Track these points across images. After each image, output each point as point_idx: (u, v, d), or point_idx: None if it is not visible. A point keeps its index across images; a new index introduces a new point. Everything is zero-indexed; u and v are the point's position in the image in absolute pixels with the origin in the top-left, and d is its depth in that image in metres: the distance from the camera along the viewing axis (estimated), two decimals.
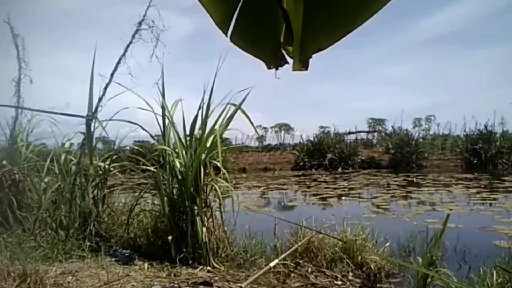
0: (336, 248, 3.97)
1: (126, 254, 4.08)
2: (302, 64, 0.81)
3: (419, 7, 43.77)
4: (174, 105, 4.60)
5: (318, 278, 3.66)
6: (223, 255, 4.18)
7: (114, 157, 5.25)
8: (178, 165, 4.25)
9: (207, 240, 4.01)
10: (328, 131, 25.10)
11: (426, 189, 12.14)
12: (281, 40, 0.80)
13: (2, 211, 4.48)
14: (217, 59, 4.22)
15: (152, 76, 4.46)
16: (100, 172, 4.86)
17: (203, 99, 4.31)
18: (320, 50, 0.79)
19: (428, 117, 29.43)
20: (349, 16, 0.75)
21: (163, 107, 4.41)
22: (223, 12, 0.79)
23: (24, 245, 3.88)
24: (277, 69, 0.83)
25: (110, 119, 4.53)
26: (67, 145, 5.20)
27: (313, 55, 0.80)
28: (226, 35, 0.81)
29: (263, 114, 39.08)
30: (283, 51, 0.82)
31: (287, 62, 0.82)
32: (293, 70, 0.82)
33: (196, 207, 4.05)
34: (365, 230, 4.25)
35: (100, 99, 4.43)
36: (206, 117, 4.32)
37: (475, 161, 19.56)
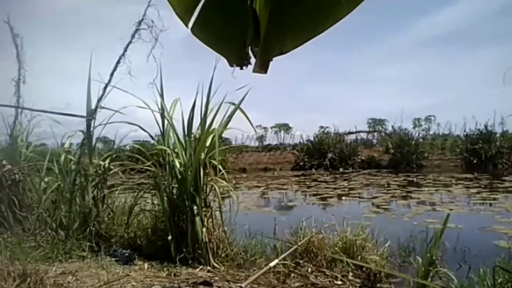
0: (336, 248, 3.97)
1: (126, 254, 4.08)
2: (262, 66, 0.81)
3: (419, 7, 43.77)
4: (173, 104, 4.60)
5: (318, 278, 3.66)
6: (223, 255, 4.17)
7: (114, 156, 5.25)
8: (178, 165, 4.25)
9: (207, 240, 4.01)
10: (328, 131, 25.12)
11: (426, 189, 12.14)
12: (248, 40, 0.79)
13: (2, 211, 4.48)
14: (217, 60, 4.21)
15: (152, 76, 4.46)
16: (100, 171, 4.85)
17: (196, 98, 4.31)
18: (282, 53, 0.79)
19: (428, 117, 29.41)
20: (312, 22, 0.76)
21: (162, 107, 4.41)
22: (186, 3, 0.78)
23: (24, 245, 3.88)
24: (241, 68, 0.82)
25: (110, 122, 4.53)
26: (67, 144, 5.20)
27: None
28: (186, 26, 0.80)
29: (263, 114, 39.10)
30: (250, 52, 0.81)
31: (249, 63, 0.82)
32: (253, 71, 0.82)
33: (196, 207, 4.05)
34: (365, 230, 4.25)
35: (99, 99, 4.43)
36: (205, 116, 4.32)
37: (475, 161, 19.56)
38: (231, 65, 0.82)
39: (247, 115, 4.32)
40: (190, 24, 0.79)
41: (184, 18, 0.79)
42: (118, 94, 4.49)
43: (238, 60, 0.81)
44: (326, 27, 0.74)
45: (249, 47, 0.80)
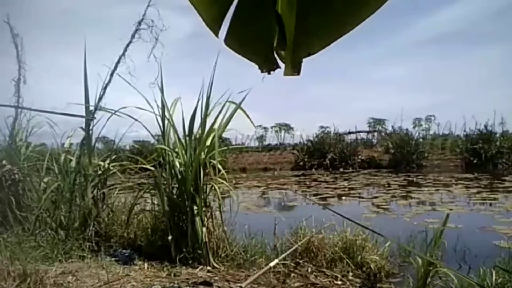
0: (336, 248, 3.97)
1: (126, 254, 4.08)
2: (294, 68, 0.81)
3: (419, 7, 43.77)
4: (173, 104, 4.60)
5: (318, 278, 3.66)
6: (223, 255, 4.17)
7: (114, 156, 5.25)
8: (178, 165, 4.25)
9: (207, 240, 4.01)
10: (328, 131, 25.11)
11: (426, 189, 12.14)
12: (274, 44, 0.80)
13: (2, 211, 4.48)
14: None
15: (152, 76, 4.46)
16: (100, 171, 4.85)
17: (200, 98, 4.31)
18: (310, 54, 0.79)
19: (428, 117, 29.41)
20: (339, 21, 0.75)
21: (163, 107, 4.41)
22: (214, 11, 0.78)
23: (24, 245, 3.88)
24: (269, 73, 0.82)
25: (114, 112, 4.51)
26: (66, 144, 5.20)
27: (306, 58, 0.80)
28: (216, 35, 0.81)
29: (263, 114, 39.05)
30: (276, 55, 0.82)
31: (278, 67, 0.82)
32: (285, 75, 0.82)
33: (196, 207, 4.05)
34: (365, 230, 4.25)
35: (100, 98, 4.43)
36: (206, 116, 4.32)
37: (475, 161, 19.56)
38: (262, 71, 0.83)
39: (247, 114, 4.33)
40: (220, 33, 0.80)
41: (214, 27, 0.80)
42: (118, 94, 4.49)
43: (267, 65, 0.81)
44: (354, 26, 0.74)
45: (275, 51, 0.80)
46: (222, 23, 0.78)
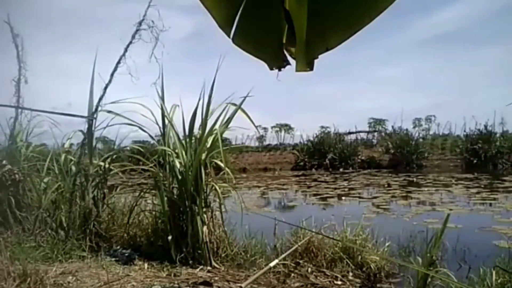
0: (336, 248, 3.97)
1: (126, 254, 4.08)
2: (307, 64, 0.80)
3: (419, 7, 43.75)
4: (173, 106, 4.61)
5: (318, 278, 3.66)
6: (223, 255, 4.18)
7: (114, 157, 5.25)
8: (178, 165, 4.25)
9: (207, 240, 4.01)
10: (328, 131, 25.08)
11: (426, 189, 12.14)
12: (284, 41, 0.80)
13: (2, 211, 4.48)
14: (217, 59, 4.21)
15: (152, 76, 4.46)
16: (100, 172, 4.85)
17: (200, 98, 4.30)
18: (327, 50, 0.79)
19: (428, 117, 29.35)
20: (357, 15, 0.75)
21: (163, 108, 4.41)
22: (226, 14, 0.78)
23: (24, 245, 3.88)
24: (279, 70, 0.82)
25: (112, 125, 4.54)
26: (67, 145, 5.20)
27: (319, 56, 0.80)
28: (229, 36, 0.81)
29: (263, 114, 38.97)
30: (286, 52, 0.82)
31: (289, 63, 0.82)
32: (297, 71, 0.81)
33: (196, 207, 4.05)
34: (365, 230, 4.25)
35: (100, 99, 4.43)
36: (206, 117, 4.32)
37: (475, 161, 19.56)
38: (271, 69, 0.83)
39: (248, 115, 4.33)
40: (231, 35, 0.80)
41: (226, 28, 0.79)
42: (119, 94, 4.50)
43: (277, 62, 0.81)
44: (372, 18, 0.73)
45: (285, 48, 0.80)
46: (233, 24, 0.79)
